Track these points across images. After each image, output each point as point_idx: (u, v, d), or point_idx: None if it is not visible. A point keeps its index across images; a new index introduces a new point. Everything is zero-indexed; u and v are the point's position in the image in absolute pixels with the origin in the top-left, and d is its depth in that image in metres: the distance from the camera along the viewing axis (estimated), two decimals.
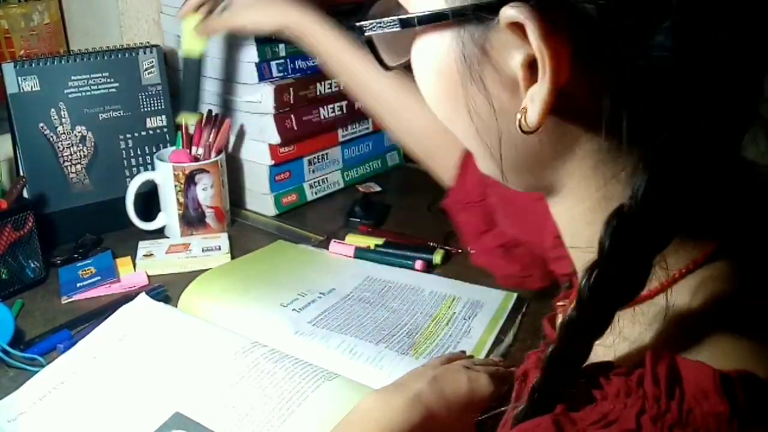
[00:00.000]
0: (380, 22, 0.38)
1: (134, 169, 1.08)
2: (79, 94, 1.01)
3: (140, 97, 1.06)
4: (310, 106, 1.15)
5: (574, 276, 0.46)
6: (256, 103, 1.10)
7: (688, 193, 0.32)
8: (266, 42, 1.08)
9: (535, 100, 0.33)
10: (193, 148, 1.06)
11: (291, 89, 1.11)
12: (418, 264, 0.95)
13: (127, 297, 0.84)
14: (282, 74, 1.11)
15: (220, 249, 0.99)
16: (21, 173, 0.99)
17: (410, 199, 1.19)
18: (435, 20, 0.35)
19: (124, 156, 1.07)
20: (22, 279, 0.90)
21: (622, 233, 0.31)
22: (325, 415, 0.64)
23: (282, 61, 1.11)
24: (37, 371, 0.72)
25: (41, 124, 0.99)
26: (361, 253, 0.99)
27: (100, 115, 1.04)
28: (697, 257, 0.36)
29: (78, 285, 0.90)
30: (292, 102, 1.11)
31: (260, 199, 1.15)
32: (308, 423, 0.64)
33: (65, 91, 1.00)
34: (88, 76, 1.02)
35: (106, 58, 1.03)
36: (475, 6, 0.33)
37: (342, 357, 0.74)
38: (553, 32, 0.31)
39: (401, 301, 0.87)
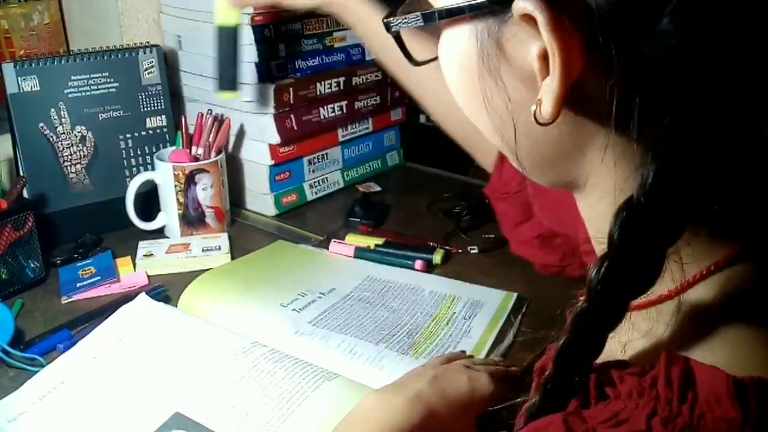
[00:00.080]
0: (406, 18, 0.39)
1: (134, 169, 1.08)
2: (79, 94, 1.01)
3: (140, 97, 1.06)
4: (310, 106, 1.15)
5: None
6: (256, 103, 1.10)
7: (697, 183, 0.31)
8: (266, 42, 1.08)
9: (548, 92, 0.33)
10: (193, 148, 1.06)
11: (291, 89, 1.11)
12: (418, 264, 0.95)
13: (127, 297, 0.84)
14: (282, 74, 1.11)
15: (220, 249, 0.99)
16: (21, 173, 0.99)
17: (410, 199, 1.19)
18: (453, 15, 0.36)
19: (124, 156, 1.07)
20: (22, 279, 0.90)
21: (631, 225, 0.31)
22: (325, 415, 0.64)
23: (282, 61, 1.11)
24: (37, 371, 0.72)
25: (41, 124, 0.99)
26: (361, 253, 0.98)
27: (100, 115, 1.04)
28: (719, 259, 0.35)
29: (78, 285, 0.90)
30: (292, 102, 1.11)
31: (260, 199, 1.15)
32: (308, 423, 0.64)
33: (65, 91, 1.00)
34: (88, 76, 1.02)
35: (106, 58, 1.03)
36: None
37: (342, 357, 0.74)
38: (563, 24, 0.31)
39: (401, 301, 0.87)
